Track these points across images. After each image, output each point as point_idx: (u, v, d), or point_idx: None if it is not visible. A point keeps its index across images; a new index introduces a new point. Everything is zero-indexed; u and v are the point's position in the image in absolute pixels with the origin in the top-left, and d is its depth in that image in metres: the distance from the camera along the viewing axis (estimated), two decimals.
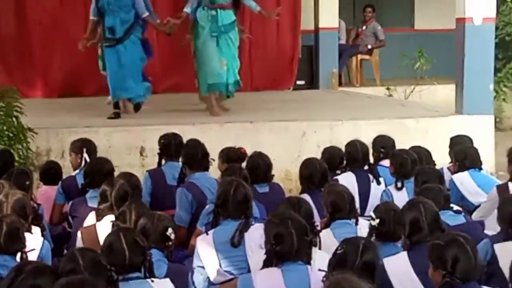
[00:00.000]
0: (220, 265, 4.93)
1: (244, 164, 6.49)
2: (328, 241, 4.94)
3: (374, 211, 4.95)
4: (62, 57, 13.26)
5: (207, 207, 5.72)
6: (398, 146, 7.27)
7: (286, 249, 4.30)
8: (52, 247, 5.46)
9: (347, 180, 6.44)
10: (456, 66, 9.99)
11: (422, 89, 14.11)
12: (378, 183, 6.63)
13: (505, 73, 14.15)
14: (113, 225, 4.93)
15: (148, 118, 9.81)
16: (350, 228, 5.16)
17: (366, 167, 6.78)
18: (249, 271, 4.75)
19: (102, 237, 5.12)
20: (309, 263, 4.33)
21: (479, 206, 6.41)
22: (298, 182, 6.52)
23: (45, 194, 6.93)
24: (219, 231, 5.04)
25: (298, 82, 14.60)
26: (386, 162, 6.84)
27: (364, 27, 15.16)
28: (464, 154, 6.91)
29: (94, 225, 5.51)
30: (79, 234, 5.50)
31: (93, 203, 5.91)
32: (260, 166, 6.37)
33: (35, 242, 5.04)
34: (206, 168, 6.47)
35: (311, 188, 6.18)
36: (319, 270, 4.22)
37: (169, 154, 6.89)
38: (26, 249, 4.75)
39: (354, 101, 12.33)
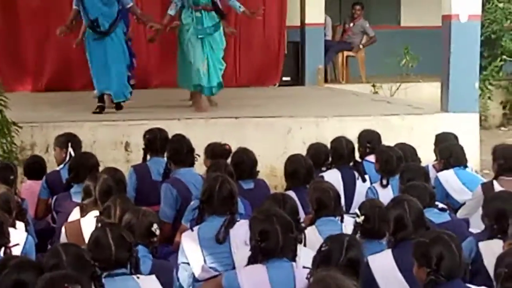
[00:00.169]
0: (205, 262, 4.93)
1: (229, 160, 6.50)
2: (313, 238, 4.94)
3: (359, 208, 4.96)
4: (49, 51, 13.26)
5: (192, 203, 5.72)
6: (384, 143, 7.28)
7: (271, 246, 4.30)
8: (36, 242, 5.45)
9: (333, 177, 6.45)
10: (442, 64, 10.01)
11: (408, 87, 14.14)
12: (364, 180, 6.64)
13: (490, 71, 14.19)
14: (97, 220, 4.92)
15: (133, 113, 9.78)
16: (335, 225, 5.17)
17: (351, 164, 6.79)
18: (234, 267, 4.75)
19: (86, 232, 5.12)
20: (294, 260, 4.34)
21: (464, 204, 6.42)
22: (283, 178, 6.52)
23: (29, 189, 6.91)
24: (204, 227, 5.04)
25: (284, 78, 14.62)
26: (372, 157, 6.86)
27: (351, 24, 15.18)
28: (449, 152, 6.92)
29: (79, 220, 5.50)
30: (63, 229, 5.48)
31: (77, 198, 5.89)
32: (245, 162, 6.37)
33: (19, 237, 5.01)
34: (191, 164, 6.46)
35: (296, 184, 6.19)
36: (304, 267, 4.23)
37: (154, 150, 6.88)
38: (10, 244, 4.73)
39: (340, 98, 12.35)
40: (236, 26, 13.48)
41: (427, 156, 7.41)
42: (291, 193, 5.81)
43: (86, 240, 4.59)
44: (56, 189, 6.52)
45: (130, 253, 4.18)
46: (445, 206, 5.62)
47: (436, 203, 5.50)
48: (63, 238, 5.36)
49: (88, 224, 5.23)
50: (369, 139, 7.29)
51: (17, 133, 8.39)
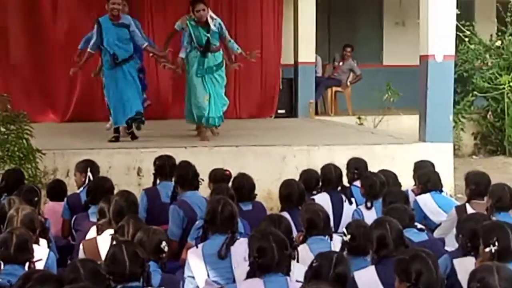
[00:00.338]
0: (208, 276, 4.90)
1: (230, 184, 6.49)
2: (305, 255, 4.93)
3: (346, 228, 4.94)
4: (70, 86, 13.26)
5: (197, 222, 5.71)
6: (368, 169, 7.26)
7: (268, 262, 4.29)
8: (57, 257, 5.44)
9: (322, 200, 6.43)
10: (420, 98, 10.02)
11: (390, 119, 14.16)
12: (350, 203, 6.63)
13: (463, 105, 14.21)
14: (112, 238, 4.91)
15: (145, 142, 9.78)
16: (324, 244, 5.15)
17: (339, 188, 6.79)
18: (234, 281, 4.72)
19: (102, 249, 5.12)
20: (288, 275, 4.32)
21: (440, 224, 6.41)
22: (278, 201, 6.50)
23: (51, 210, 6.89)
24: (208, 245, 5.02)
25: (279, 111, 14.64)
26: (358, 182, 6.84)
27: (341, 63, 15.28)
28: (426, 177, 6.92)
29: (95, 238, 5.48)
30: (81, 246, 5.47)
31: (94, 218, 5.88)
32: (244, 186, 6.36)
33: (42, 253, 5.01)
34: (196, 187, 6.45)
35: (290, 206, 6.17)
36: (297, 281, 4.22)
37: (163, 174, 6.87)
38: (34, 259, 4.72)
39: (329, 129, 12.35)
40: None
41: (407, 182, 7.40)
42: (286, 214, 5.79)
43: (102, 256, 4.59)
44: (76, 210, 6.51)
45: (142, 268, 4.18)
46: (423, 227, 5.60)
47: (415, 223, 5.49)
48: (81, 254, 5.35)
49: (104, 241, 5.22)
50: (357, 166, 7.28)
51: (41, 159, 8.38)
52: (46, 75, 13.33)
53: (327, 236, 5.25)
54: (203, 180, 6.62)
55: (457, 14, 10.07)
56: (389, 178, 6.80)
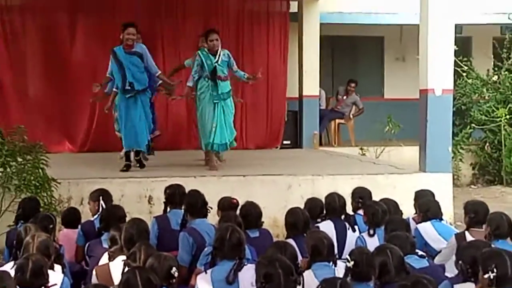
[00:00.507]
0: None
1: (238, 212, 6.48)
2: (310, 281, 4.89)
3: (349, 255, 4.91)
4: (86, 117, 13.33)
5: (206, 249, 5.68)
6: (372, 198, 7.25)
7: (274, 287, 4.27)
8: (71, 282, 5.41)
9: (327, 227, 6.41)
10: (420, 130, 10.02)
11: (391, 150, 14.18)
12: (354, 230, 6.60)
13: (461, 137, 14.23)
14: (124, 264, 4.90)
15: (156, 171, 9.79)
16: (329, 270, 5.12)
17: (343, 216, 6.76)
18: None
19: (114, 274, 5.10)
20: None
21: (440, 251, 6.38)
22: (284, 228, 6.47)
23: (66, 236, 6.88)
24: (216, 270, 5.01)
25: (285, 142, 14.67)
26: (362, 211, 6.83)
27: (345, 97, 15.34)
28: (427, 206, 6.90)
29: (108, 264, 5.47)
30: (94, 272, 5.45)
31: (107, 245, 5.87)
32: (252, 214, 6.35)
33: (56, 278, 4.99)
34: (205, 215, 6.42)
35: (296, 233, 6.14)
36: None
37: (173, 203, 6.85)
38: (49, 284, 4.71)
39: (333, 159, 12.36)
40: (244, 97, 13.60)
41: (408, 210, 7.37)
42: (291, 241, 5.77)
43: (114, 281, 4.58)
44: (90, 236, 6.49)
45: None
46: (424, 253, 5.58)
47: (416, 250, 5.47)
48: (94, 280, 5.32)
49: (116, 267, 5.21)
50: (361, 195, 7.27)
51: (56, 188, 8.40)
52: (63, 106, 13.42)
53: (331, 263, 5.22)
54: (211, 208, 6.60)
55: (455, 50, 10.11)
56: (390, 206, 6.78)
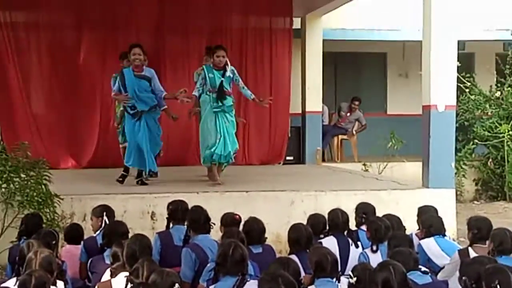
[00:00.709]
0: None
1: (241, 228, 6.47)
2: None
3: (352, 271, 4.91)
4: (88, 134, 13.35)
5: (208, 265, 5.68)
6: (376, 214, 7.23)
7: None
8: None
9: (330, 243, 6.39)
10: (423, 146, 10.02)
11: (394, 166, 14.18)
12: (357, 246, 6.59)
13: (464, 153, 14.24)
14: (127, 280, 4.89)
15: (158, 187, 9.80)
16: (332, 286, 5.11)
17: (346, 232, 6.75)
18: None
19: None
20: None
21: (443, 267, 6.36)
22: (287, 244, 6.45)
23: (68, 252, 6.87)
24: (219, 287, 5.00)
25: (287, 158, 14.67)
26: (365, 227, 6.81)
27: (348, 114, 15.37)
28: (430, 222, 6.88)
29: (110, 280, 5.45)
30: None
31: (109, 261, 5.86)
32: (255, 229, 6.33)
33: None
34: (208, 231, 6.43)
35: (298, 249, 6.12)
36: None
37: (176, 218, 6.85)
38: None
39: (336, 175, 12.34)
40: (247, 113, 13.62)
41: (411, 226, 7.35)
42: (294, 257, 5.77)
43: None
44: (93, 252, 6.47)
45: None
46: (427, 269, 5.56)
47: (420, 266, 5.45)
48: None
49: (118, 284, 5.19)
50: (365, 210, 7.25)
51: (58, 204, 8.40)
52: (67, 123, 13.42)
53: (335, 279, 5.21)
54: (214, 224, 6.61)
55: (458, 66, 10.12)
56: (393, 222, 6.76)
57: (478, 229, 6.29)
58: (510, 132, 13.93)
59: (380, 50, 16.82)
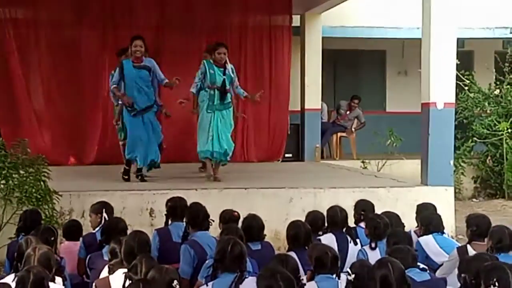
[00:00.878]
0: None
1: (239, 225, 6.47)
2: None
3: (350, 268, 4.90)
4: (90, 132, 13.34)
5: (207, 261, 5.66)
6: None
7: None
8: None
9: (328, 240, 6.38)
10: (422, 144, 10.02)
11: (392, 163, 14.17)
12: (355, 243, 6.58)
13: (463, 150, 14.23)
14: (126, 277, 4.88)
15: (157, 184, 9.79)
16: (332, 282, 5.10)
17: (344, 229, 6.74)
18: None
19: (114, 287, 5.08)
20: None
21: (442, 265, 6.36)
22: (285, 241, 6.45)
23: (67, 249, 6.86)
24: (217, 283, 5.00)
25: (286, 155, 14.67)
26: (364, 224, 6.81)
27: (348, 112, 15.38)
28: (428, 219, 6.88)
29: (108, 277, 5.45)
30: (94, 285, 5.43)
31: (108, 257, 5.85)
32: (254, 226, 6.33)
33: None
34: (206, 228, 6.42)
35: (297, 246, 6.12)
36: None
37: (175, 215, 6.85)
38: None
39: (334, 172, 12.35)
40: (246, 110, 13.60)
41: (409, 223, 7.35)
42: (293, 254, 5.74)
43: None
44: (92, 249, 6.47)
45: None
46: (425, 267, 5.56)
47: (418, 264, 5.45)
48: None
49: (116, 280, 5.18)
50: (364, 208, 7.24)
51: (57, 201, 8.40)
52: (68, 120, 13.42)
53: (334, 275, 5.21)
54: (213, 220, 6.61)
55: (457, 64, 10.11)
56: (392, 219, 6.75)
57: (477, 227, 6.29)
58: (509, 130, 13.93)
59: (380, 48, 16.81)
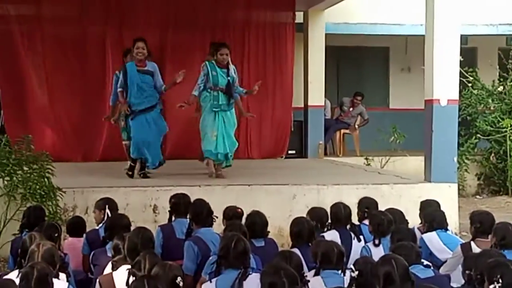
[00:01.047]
0: None
1: (243, 221, 6.47)
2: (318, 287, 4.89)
3: (354, 264, 4.90)
4: (96, 129, 13.33)
5: (210, 258, 5.66)
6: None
7: None
8: None
9: (332, 237, 6.38)
10: (425, 140, 10.00)
11: (396, 160, 14.17)
12: (359, 240, 6.58)
13: (466, 147, 14.21)
14: (129, 273, 4.88)
15: (161, 180, 9.79)
16: (338, 278, 5.11)
17: (348, 226, 6.74)
18: None
19: (118, 284, 5.08)
20: None
21: (445, 261, 6.35)
22: (289, 238, 6.45)
23: (71, 245, 6.87)
24: (221, 279, 5.00)
25: (290, 152, 14.66)
26: (368, 221, 6.80)
27: (351, 109, 15.36)
28: (432, 216, 6.87)
29: (111, 273, 5.45)
30: (97, 281, 5.43)
31: (111, 254, 5.85)
32: (257, 223, 6.32)
33: (61, 287, 4.98)
34: (210, 224, 6.42)
35: (301, 243, 6.12)
36: None
37: (178, 212, 6.84)
38: None
39: (338, 169, 12.33)
40: (250, 106, 13.59)
41: (413, 220, 7.34)
42: (296, 251, 5.76)
43: None
44: (95, 245, 6.47)
45: None
46: (429, 263, 5.55)
47: (422, 260, 5.44)
48: None
49: (119, 277, 5.18)
50: (368, 205, 7.23)
51: (61, 197, 8.40)
52: (73, 117, 13.43)
53: (340, 271, 5.20)
54: (217, 217, 6.60)
55: (460, 61, 10.09)
56: (396, 216, 6.75)
57: (481, 223, 6.28)
58: None
59: (383, 45, 16.79)
